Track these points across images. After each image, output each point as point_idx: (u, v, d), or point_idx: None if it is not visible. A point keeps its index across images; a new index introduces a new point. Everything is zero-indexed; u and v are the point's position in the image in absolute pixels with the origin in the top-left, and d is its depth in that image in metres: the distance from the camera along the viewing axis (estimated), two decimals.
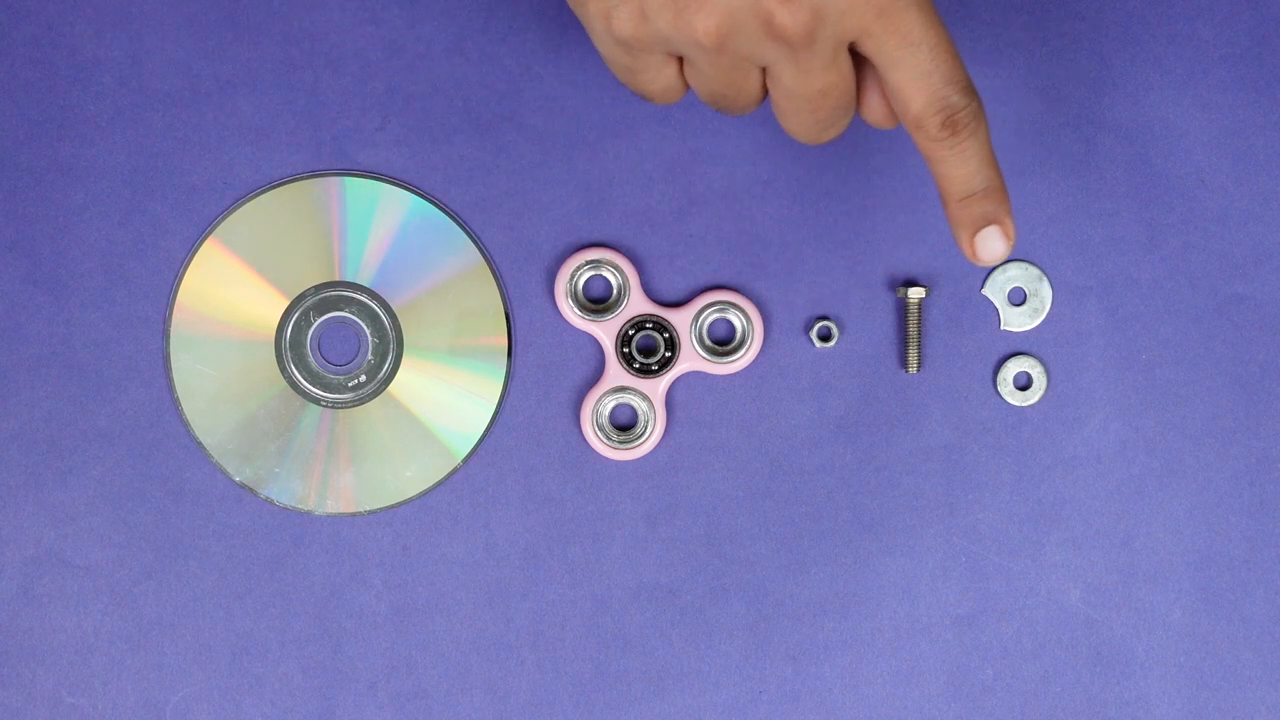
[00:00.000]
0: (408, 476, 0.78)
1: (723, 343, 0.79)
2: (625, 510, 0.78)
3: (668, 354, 0.78)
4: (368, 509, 0.78)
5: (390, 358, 0.78)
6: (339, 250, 0.78)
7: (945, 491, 0.78)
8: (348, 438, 0.78)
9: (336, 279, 0.78)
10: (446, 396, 0.78)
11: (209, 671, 0.78)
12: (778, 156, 0.79)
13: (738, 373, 0.79)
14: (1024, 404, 0.78)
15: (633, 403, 0.78)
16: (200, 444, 0.78)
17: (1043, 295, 0.79)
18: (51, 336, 0.78)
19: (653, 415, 0.78)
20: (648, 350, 0.79)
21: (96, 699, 0.78)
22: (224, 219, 0.78)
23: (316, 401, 0.78)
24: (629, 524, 0.78)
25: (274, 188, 0.78)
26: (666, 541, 0.78)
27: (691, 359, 0.78)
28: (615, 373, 0.78)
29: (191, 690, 0.78)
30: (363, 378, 0.78)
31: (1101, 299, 0.79)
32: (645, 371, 0.78)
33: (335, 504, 0.78)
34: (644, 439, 0.78)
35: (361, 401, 0.78)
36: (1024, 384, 0.79)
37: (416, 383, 0.78)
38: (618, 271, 0.78)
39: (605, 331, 0.78)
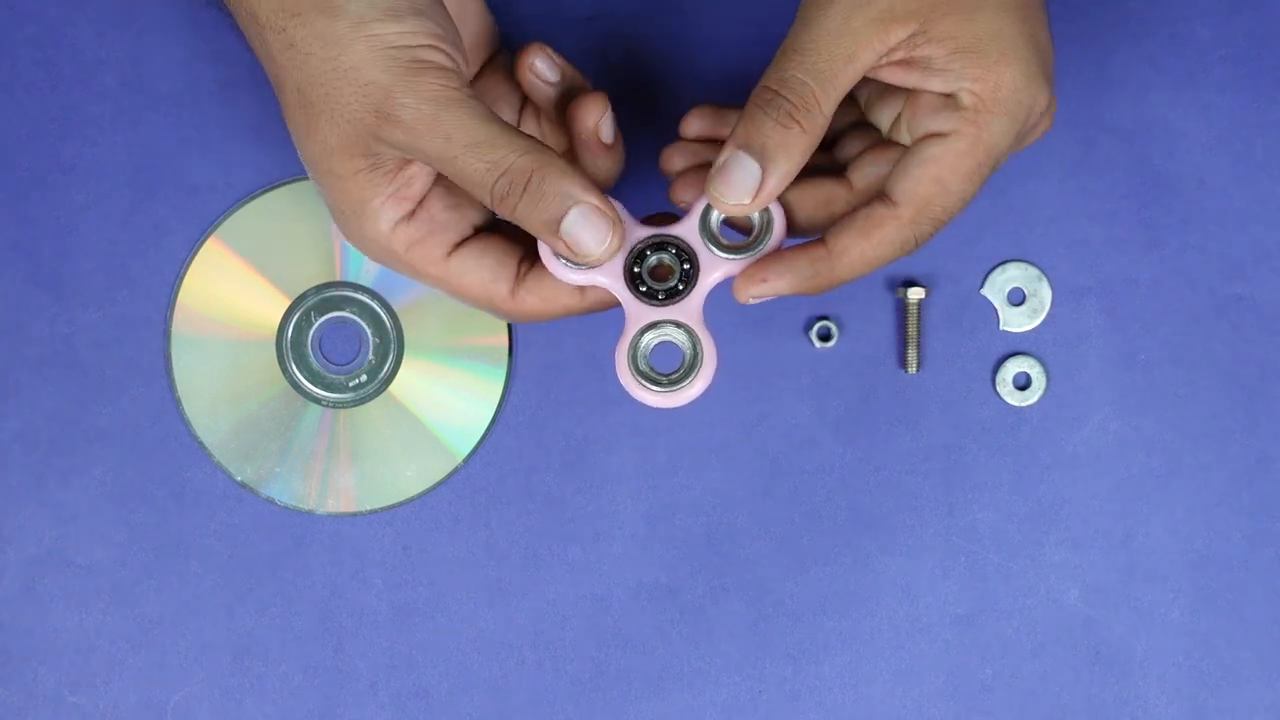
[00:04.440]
0: (408, 476, 0.78)
1: (742, 232, 0.70)
2: (625, 510, 0.78)
3: (686, 267, 0.69)
4: (368, 509, 0.78)
5: (391, 358, 0.79)
6: (340, 250, 0.78)
7: (945, 491, 0.78)
8: (348, 437, 0.78)
9: (338, 279, 0.78)
10: (447, 396, 0.78)
11: (210, 671, 0.78)
12: None
13: (740, 366, 0.78)
14: (1023, 404, 0.78)
15: (670, 337, 0.70)
16: (201, 444, 0.78)
17: (1042, 295, 0.79)
18: (53, 336, 0.78)
19: (697, 342, 0.69)
20: (662, 275, 0.70)
21: (98, 698, 0.78)
22: (225, 219, 0.78)
23: (317, 401, 0.78)
24: (629, 524, 0.78)
25: (275, 188, 0.78)
26: (666, 541, 0.78)
27: (714, 266, 0.69)
28: (638, 313, 0.69)
29: (192, 689, 0.78)
30: (363, 377, 0.79)
31: (1101, 299, 0.79)
32: (671, 295, 0.69)
33: (336, 504, 0.78)
34: (696, 372, 0.69)
35: (362, 401, 0.78)
36: (1023, 384, 0.79)
37: (417, 383, 0.78)
38: None
39: (609, 275, 0.69)
